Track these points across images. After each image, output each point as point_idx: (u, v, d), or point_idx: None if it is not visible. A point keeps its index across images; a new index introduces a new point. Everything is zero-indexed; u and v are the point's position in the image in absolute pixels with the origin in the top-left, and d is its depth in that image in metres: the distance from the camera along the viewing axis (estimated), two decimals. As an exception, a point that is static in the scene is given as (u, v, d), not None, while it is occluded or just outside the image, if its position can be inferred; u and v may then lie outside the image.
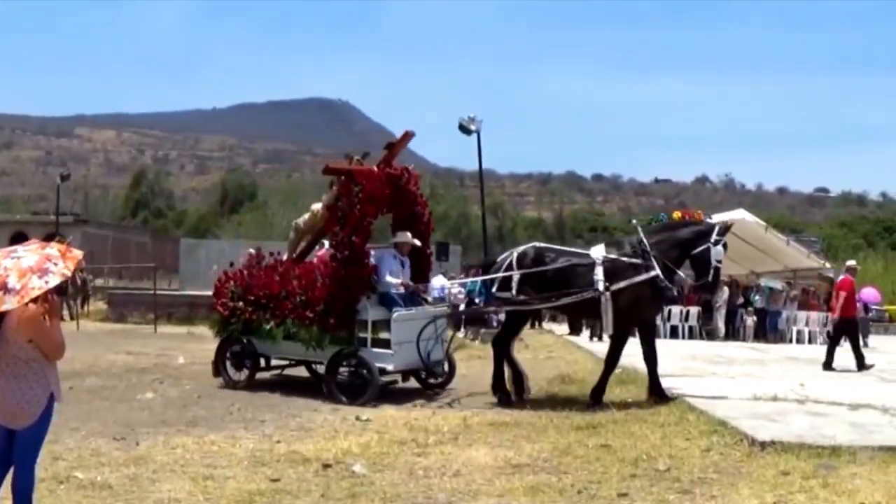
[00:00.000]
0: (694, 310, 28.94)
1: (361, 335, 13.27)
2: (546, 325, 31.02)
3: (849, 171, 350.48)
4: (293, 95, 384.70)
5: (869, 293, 36.27)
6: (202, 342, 24.21)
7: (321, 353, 13.58)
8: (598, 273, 12.54)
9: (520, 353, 14.33)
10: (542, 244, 13.93)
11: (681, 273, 13.00)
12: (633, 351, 13.20)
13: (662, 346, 13.89)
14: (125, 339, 24.31)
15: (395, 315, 13.21)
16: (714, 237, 12.65)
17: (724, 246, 12.80)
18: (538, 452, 9.41)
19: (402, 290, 13.77)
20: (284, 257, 14.78)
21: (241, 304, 14.24)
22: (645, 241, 12.69)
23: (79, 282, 35.41)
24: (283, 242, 49.80)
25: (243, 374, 14.47)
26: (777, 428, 9.96)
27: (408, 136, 14.36)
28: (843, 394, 12.94)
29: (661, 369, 12.97)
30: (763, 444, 9.17)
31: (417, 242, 14.13)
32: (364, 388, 12.99)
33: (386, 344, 13.17)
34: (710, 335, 29.23)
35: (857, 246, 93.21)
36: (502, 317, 15.24)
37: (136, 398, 13.35)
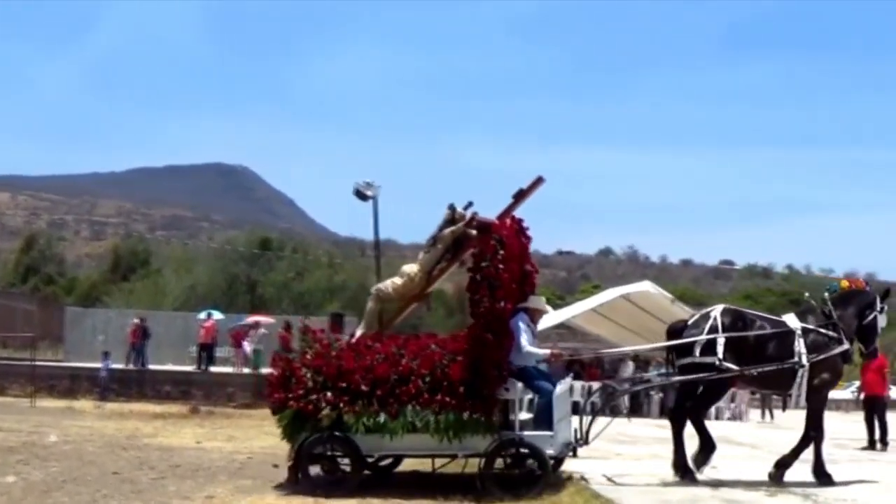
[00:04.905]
0: (597, 385, 28.28)
1: (509, 418, 11.32)
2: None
3: (754, 243, 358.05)
4: (192, 160, 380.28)
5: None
6: (80, 418, 22.98)
7: (457, 445, 11.19)
8: (800, 344, 12.38)
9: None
10: (733, 307, 13.31)
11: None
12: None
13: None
14: (-1, 414, 22.81)
15: (557, 391, 11.45)
16: (879, 305, 12.87)
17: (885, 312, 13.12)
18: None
19: (533, 361, 11.79)
20: (359, 332, 12.19)
21: (328, 394, 11.30)
22: (835, 314, 12.65)
23: None
24: (175, 312, 48.75)
25: (336, 479, 11.75)
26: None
27: (540, 181, 12.26)
28: (759, 475, 12.44)
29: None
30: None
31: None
32: (532, 480, 11.07)
33: (539, 425, 11.39)
34: (614, 411, 28.50)
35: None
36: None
37: (-6, 482, 12.10)
